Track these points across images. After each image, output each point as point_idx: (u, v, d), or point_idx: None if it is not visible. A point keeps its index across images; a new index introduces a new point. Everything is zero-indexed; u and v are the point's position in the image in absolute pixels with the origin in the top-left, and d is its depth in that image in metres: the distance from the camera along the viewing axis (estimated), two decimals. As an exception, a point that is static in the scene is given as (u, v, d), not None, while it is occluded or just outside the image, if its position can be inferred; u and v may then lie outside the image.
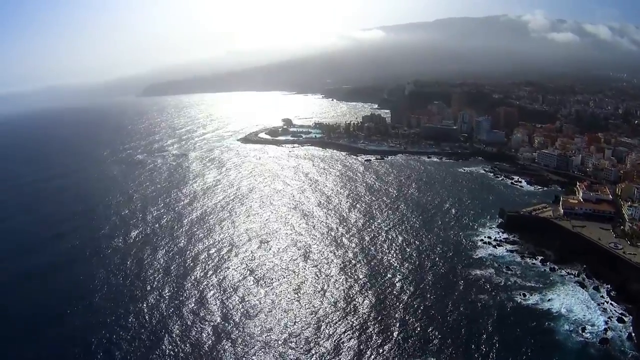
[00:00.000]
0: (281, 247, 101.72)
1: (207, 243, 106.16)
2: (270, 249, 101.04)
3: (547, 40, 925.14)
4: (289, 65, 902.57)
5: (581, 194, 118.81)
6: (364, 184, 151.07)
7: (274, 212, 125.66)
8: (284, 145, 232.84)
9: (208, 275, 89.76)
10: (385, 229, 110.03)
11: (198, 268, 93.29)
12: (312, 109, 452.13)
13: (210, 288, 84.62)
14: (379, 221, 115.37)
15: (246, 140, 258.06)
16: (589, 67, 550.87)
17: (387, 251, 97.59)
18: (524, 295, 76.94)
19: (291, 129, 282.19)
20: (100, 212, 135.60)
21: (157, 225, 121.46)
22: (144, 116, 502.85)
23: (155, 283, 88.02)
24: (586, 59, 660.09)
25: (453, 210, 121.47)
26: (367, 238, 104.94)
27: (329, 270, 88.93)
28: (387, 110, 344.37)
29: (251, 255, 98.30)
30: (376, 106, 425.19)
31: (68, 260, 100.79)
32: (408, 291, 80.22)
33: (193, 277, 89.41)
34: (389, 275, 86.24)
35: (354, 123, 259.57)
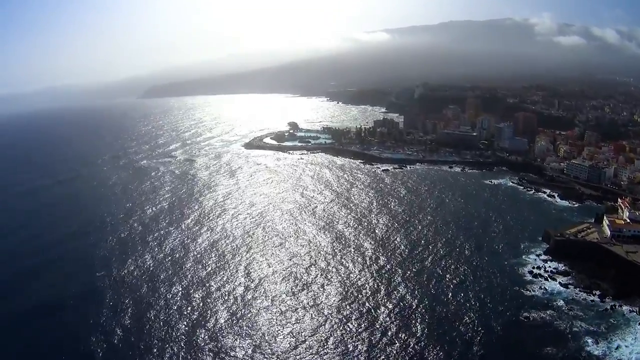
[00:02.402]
0: (325, 292, 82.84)
1: (222, 283, 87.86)
2: (308, 297, 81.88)
3: (553, 44, 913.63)
4: (292, 67, 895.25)
5: (626, 213, 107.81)
6: (396, 200, 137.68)
7: (302, 236, 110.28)
8: (291, 152, 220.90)
9: (227, 335, 72.02)
10: (433, 258, 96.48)
11: (213, 321, 74.81)
12: (318, 112, 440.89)
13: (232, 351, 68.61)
14: (420, 249, 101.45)
15: (252, 145, 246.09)
16: (595, 71, 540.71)
17: (444, 290, 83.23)
18: (591, 343, 65.93)
19: (298, 134, 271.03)
20: (93, 236, 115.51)
21: (160, 255, 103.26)
22: (146, 118, 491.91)
23: (160, 343, 69.94)
24: (591, 62, 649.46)
25: (493, 232, 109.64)
26: (413, 273, 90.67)
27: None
28: (397, 114, 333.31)
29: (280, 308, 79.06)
30: (384, 109, 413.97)
31: (43, 311, 79.89)
32: (463, 342, 67.58)
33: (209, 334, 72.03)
34: (449, 327, 71.53)
35: (365, 128, 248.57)
